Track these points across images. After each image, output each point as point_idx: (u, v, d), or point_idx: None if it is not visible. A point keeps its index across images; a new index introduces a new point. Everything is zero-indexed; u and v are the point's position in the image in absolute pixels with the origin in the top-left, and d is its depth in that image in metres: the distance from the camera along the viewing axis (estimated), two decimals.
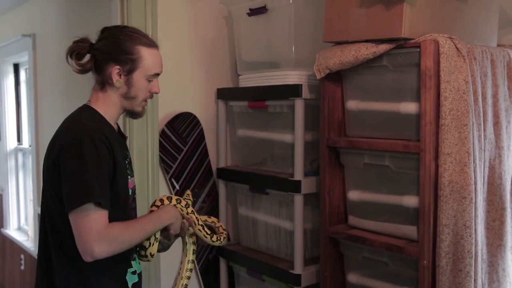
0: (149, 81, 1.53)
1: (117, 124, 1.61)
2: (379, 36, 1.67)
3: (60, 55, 3.34)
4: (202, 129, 2.40)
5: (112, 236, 1.37)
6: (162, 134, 2.28)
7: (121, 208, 1.48)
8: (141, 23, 2.20)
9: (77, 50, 1.52)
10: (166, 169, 2.31)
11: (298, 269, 2.03)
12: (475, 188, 1.58)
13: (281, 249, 2.16)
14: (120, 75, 1.49)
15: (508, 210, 1.78)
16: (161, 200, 1.58)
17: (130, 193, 1.54)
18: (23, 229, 4.49)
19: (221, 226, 1.75)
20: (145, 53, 1.50)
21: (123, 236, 1.40)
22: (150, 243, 1.51)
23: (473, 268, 1.57)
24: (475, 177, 1.59)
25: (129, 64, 1.49)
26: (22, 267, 4.24)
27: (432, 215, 1.60)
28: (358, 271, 1.89)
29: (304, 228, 2.04)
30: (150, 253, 1.53)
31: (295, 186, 2.00)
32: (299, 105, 1.98)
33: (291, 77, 2.04)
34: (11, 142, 4.54)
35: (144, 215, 1.55)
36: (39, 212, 1.57)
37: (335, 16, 1.80)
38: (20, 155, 4.50)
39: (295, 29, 2.06)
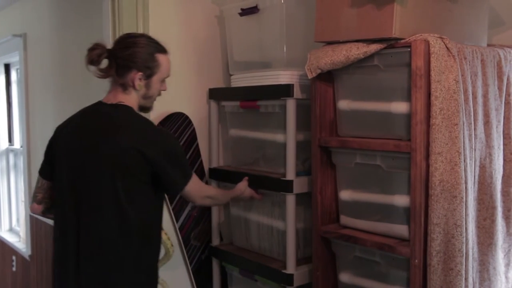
0: (162, 82, 1.78)
1: None
2: (370, 36, 1.68)
3: (51, 55, 3.35)
4: (194, 129, 2.40)
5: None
6: None
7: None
8: (132, 23, 2.19)
9: (95, 58, 1.67)
10: None
11: (290, 268, 2.03)
12: (465, 187, 1.59)
13: (274, 249, 2.16)
14: (141, 80, 1.71)
15: (499, 209, 1.79)
16: None
17: None
18: (14, 230, 4.46)
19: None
20: (162, 59, 1.74)
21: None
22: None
23: (464, 266, 1.58)
24: (465, 176, 1.59)
25: (150, 70, 1.71)
26: (14, 269, 4.21)
27: (423, 214, 1.61)
28: (350, 270, 1.90)
29: (296, 227, 2.04)
30: None
31: (287, 186, 2.00)
32: (290, 105, 1.98)
33: (283, 77, 2.04)
34: (2, 142, 4.52)
35: None
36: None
37: (326, 16, 1.80)
38: (11, 156, 4.48)
39: (287, 29, 2.06)
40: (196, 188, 1.80)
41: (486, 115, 1.74)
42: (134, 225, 1.65)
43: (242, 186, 2.09)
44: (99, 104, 1.74)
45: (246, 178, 2.12)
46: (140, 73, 1.69)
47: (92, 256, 1.64)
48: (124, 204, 1.63)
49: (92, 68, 1.67)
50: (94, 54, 1.66)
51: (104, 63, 1.70)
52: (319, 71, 1.82)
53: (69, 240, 1.67)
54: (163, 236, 1.87)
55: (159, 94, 1.81)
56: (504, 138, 1.83)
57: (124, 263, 1.65)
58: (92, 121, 1.71)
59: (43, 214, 1.86)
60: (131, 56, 1.68)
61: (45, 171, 1.81)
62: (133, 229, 1.65)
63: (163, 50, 1.75)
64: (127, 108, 1.71)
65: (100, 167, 1.63)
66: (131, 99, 1.72)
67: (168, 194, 1.86)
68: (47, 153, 1.80)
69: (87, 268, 1.64)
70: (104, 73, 1.69)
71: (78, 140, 1.69)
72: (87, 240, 1.64)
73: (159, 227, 1.79)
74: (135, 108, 1.75)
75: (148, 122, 1.75)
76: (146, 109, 1.82)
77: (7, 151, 4.50)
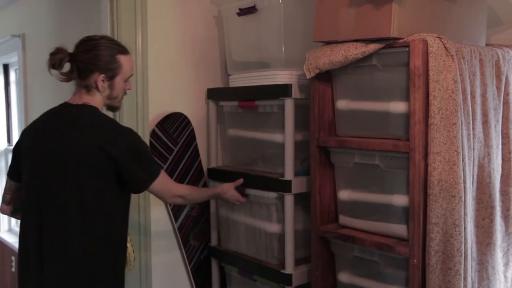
0: (125, 81, 1.79)
1: None
2: (369, 35, 1.68)
3: None
4: (193, 129, 2.40)
5: None
6: (153, 134, 2.27)
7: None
8: (131, 23, 2.19)
9: (57, 62, 1.70)
10: None
11: (289, 268, 2.03)
12: (464, 187, 1.59)
13: (261, 252, 2.15)
14: (104, 81, 1.73)
15: (498, 208, 1.79)
16: None
17: None
18: (14, 231, 4.46)
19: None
20: (123, 60, 1.76)
21: None
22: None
23: (462, 266, 1.58)
24: (464, 176, 1.59)
25: (112, 72, 1.73)
26: (13, 269, 4.21)
27: (421, 214, 1.61)
28: (349, 270, 1.90)
29: (294, 228, 2.04)
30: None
31: (286, 186, 2.00)
32: (289, 105, 1.98)
33: (281, 77, 2.04)
34: (1, 143, 4.52)
35: None
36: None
37: (324, 16, 1.80)
38: (10, 156, 4.47)
39: (285, 29, 2.06)
40: (165, 187, 1.79)
41: (485, 114, 1.74)
42: (99, 228, 1.65)
43: (226, 187, 2.10)
44: (64, 105, 1.76)
45: (241, 180, 2.12)
46: (102, 75, 1.72)
47: (54, 259, 1.63)
48: (88, 205, 1.63)
49: (54, 72, 1.71)
50: (56, 59, 1.69)
51: (67, 67, 1.73)
52: (317, 71, 1.82)
53: (32, 241, 1.66)
54: (129, 247, 1.84)
55: (125, 93, 1.83)
56: (502, 137, 1.83)
57: (87, 267, 1.64)
58: (56, 121, 1.73)
59: (12, 214, 1.88)
60: (92, 59, 1.70)
61: (12, 172, 1.82)
62: (97, 233, 1.65)
63: (124, 51, 1.77)
64: (91, 108, 1.73)
65: (64, 167, 1.64)
66: (95, 100, 1.74)
67: (134, 193, 1.84)
68: (14, 154, 1.81)
69: (50, 271, 1.62)
70: (67, 77, 1.72)
71: (42, 141, 1.70)
72: (50, 242, 1.63)
73: (124, 233, 1.78)
74: (101, 108, 1.77)
75: (111, 120, 1.77)
76: (114, 108, 1.85)
77: (6, 152, 4.50)
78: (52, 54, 1.71)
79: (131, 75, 1.82)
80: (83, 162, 1.64)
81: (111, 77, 1.74)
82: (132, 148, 1.70)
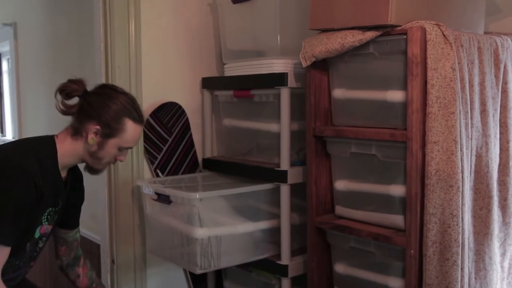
0: (120, 150, 1.59)
1: (69, 173, 1.64)
2: (366, 23, 1.65)
3: (42, 44, 3.30)
4: (187, 119, 2.37)
5: None
6: (147, 124, 2.25)
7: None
8: (124, 11, 2.16)
9: (68, 91, 1.54)
10: (151, 160, 2.28)
11: (285, 259, 2.02)
12: (462, 177, 1.58)
13: (184, 259, 2.01)
14: (96, 135, 1.54)
15: (495, 198, 1.78)
16: None
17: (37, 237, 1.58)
18: None
19: None
20: (129, 127, 1.56)
21: None
22: None
23: (460, 256, 1.57)
24: (462, 166, 1.58)
25: (110, 130, 1.53)
26: None
27: (419, 204, 1.59)
28: (345, 261, 1.89)
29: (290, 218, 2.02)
30: None
31: (282, 176, 1.98)
32: (284, 94, 1.95)
33: (277, 65, 2.01)
34: None
35: None
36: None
37: (321, 3, 1.77)
38: None
39: (281, 17, 2.03)
40: None
41: (483, 103, 1.73)
42: None
43: None
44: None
45: None
46: (98, 127, 1.53)
47: None
48: None
49: (59, 97, 1.55)
50: (70, 88, 1.55)
51: (73, 100, 1.58)
52: (313, 60, 1.80)
53: None
54: None
55: (113, 162, 1.64)
56: (500, 126, 1.81)
57: None
58: None
59: None
60: (98, 105, 1.53)
61: None
62: None
63: (136, 119, 1.57)
64: (34, 140, 1.57)
65: None
66: (73, 147, 1.56)
67: None
68: None
69: None
70: (66, 109, 1.56)
71: None
72: None
73: None
74: (73, 159, 1.58)
75: (4, 157, 1.49)
76: (93, 170, 1.62)
77: None
78: (70, 81, 1.56)
79: (130, 148, 1.62)
80: None
81: (106, 135, 1.54)
82: None
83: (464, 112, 1.61)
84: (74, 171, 1.68)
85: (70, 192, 1.68)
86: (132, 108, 1.57)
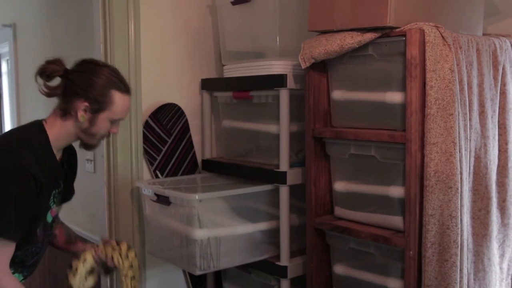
0: (112, 123, 1.57)
1: (63, 151, 1.63)
2: (365, 24, 1.65)
3: (42, 45, 3.29)
4: (187, 120, 2.37)
5: None
6: (146, 125, 2.25)
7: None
8: (123, 12, 2.16)
9: (48, 72, 1.53)
10: (151, 161, 2.28)
11: (284, 261, 2.02)
12: (461, 178, 1.58)
13: (184, 260, 2.01)
14: (86, 112, 1.52)
15: (494, 199, 1.78)
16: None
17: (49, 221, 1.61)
18: None
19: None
20: (117, 98, 1.54)
21: None
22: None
23: (458, 258, 1.57)
24: (460, 167, 1.58)
25: (98, 105, 1.52)
26: None
27: (418, 205, 1.60)
28: (344, 262, 1.89)
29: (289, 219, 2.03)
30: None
31: (281, 177, 1.98)
32: (284, 95, 1.96)
33: (276, 67, 2.01)
34: None
35: None
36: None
37: (320, 5, 1.78)
38: None
39: (280, 18, 2.04)
40: None
41: (481, 105, 1.73)
42: None
43: None
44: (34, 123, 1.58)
45: None
46: (86, 104, 1.51)
47: None
48: None
49: (40, 81, 1.52)
50: (49, 68, 1.53)
51: (55, 81, 1.55)
52: (312, 61, 1.80)
53: None
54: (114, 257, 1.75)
55: (108, 136, 1.62)
56: (499, 128, 1.82)
57: None
58: None
59: None
60: (83, 82, 1.51)
61: None
62: None
63: (123, 89, 1.56)
64: (32, 128, 1.53)
65: None
66: (64, 128, 1.54)
67: None
68: None
69: None
70: (49, 91, 1.54)
71: None
72: None
73: None
74: (65, 140, 1.57)
75: (5, 149, 1.47)
76: (88, 146, 1.61)
77: None
78: (48, 63, 1.54)
79: (121, 119, 1.59)
80: None
81: (95, 111, 1.52)
82: None
83: (462, 114, 1.61)
84: (67, 147, 1.67)
85: (68, 169, 1.69)
86: (117, 79, 1.56)
